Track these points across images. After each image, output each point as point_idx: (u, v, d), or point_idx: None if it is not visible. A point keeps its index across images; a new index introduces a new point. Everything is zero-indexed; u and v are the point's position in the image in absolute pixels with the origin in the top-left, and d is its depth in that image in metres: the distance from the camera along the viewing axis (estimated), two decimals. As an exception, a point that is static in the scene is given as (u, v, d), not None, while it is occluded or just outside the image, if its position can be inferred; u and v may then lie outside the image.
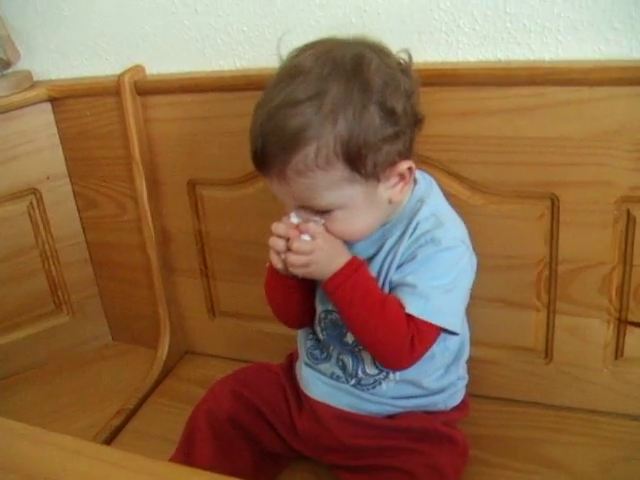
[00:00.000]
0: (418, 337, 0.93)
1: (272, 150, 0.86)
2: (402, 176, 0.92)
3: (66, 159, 1.45)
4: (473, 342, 1.11)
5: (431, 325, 0.94)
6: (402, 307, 0.93)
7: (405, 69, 0.92)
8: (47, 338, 1.52)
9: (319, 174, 0.86)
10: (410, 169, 0.92)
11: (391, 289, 0.97)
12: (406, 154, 0.91)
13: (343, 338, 1.03)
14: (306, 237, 0.91)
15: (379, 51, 0.91)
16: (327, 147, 0.85)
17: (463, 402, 1.12)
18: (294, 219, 0.92)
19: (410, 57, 0.94)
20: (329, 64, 0.86)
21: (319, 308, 1.05)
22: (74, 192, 1.47)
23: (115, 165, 1.40)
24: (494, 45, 1.10)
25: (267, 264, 1.05)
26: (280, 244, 0.93)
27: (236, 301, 1.43)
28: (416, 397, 1.06)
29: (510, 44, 1.09)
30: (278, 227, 0.93)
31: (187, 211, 1.37)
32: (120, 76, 1.30)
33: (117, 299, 1.56)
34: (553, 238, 1.13)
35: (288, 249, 0.92)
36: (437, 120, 1.10)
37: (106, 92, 1.33)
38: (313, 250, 0.91)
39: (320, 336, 1.07)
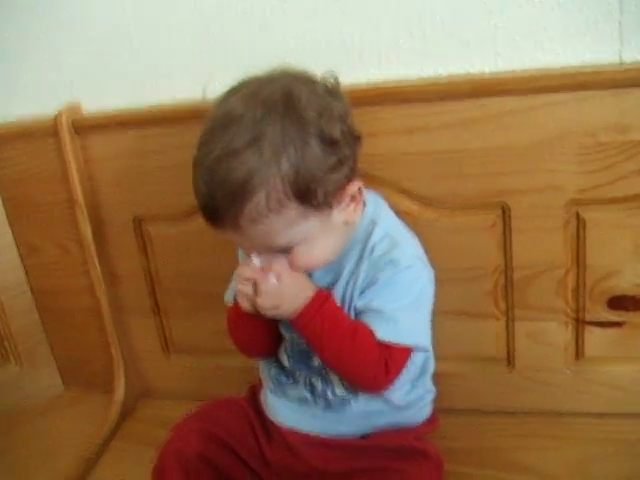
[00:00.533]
0: (391, 360, 0.94)
1: (221, 205, 0.85)
2: (353, 197, 0.92)
3: (5, 206, 1.40)
4: (436, 357, 1.10)
5: (403, 347, 0.95)
6: (372, 334, 0.93)
7: (333, 92, 0.92)
8: (-4, 390, 1.47)
9: (273, 218, 0.85)
10: (360, 189, 0.93)
11: (357, 314, 0.97)
12: (353, 175, 0.91)
13: (310, 362, 1.02)
14: (272, 279, 0.90)
15: (305, 81, 0.90)
16: (276, 190, 0.84)
17: (432, 416, 1.11)
18: (256, 261, 0.91)
19: (336, 78, 0.93)
20: (260, 106, 0.84)
21: (285, 337, 1.04)
22: (15, 239, 1.42)
23: (56, 209, 1.36)
24: (434, 60, 1.11)
25: (228, 304, 1.05)
26: (248, 289, 0.92)
27: (190, 337, 1.40)
28: (386, 414, 1.05)
29: (450, 59, 1.10)
30: (244, 271, 0.93)
31: (134, 250, 1.34)
32: (57, 116, 1.26)
33: (67, 345, 1.50)
34: (507, 246, 1.14)
35: (256, 292, 0.92)
36: (383, 138, 1.11)
37: (44, 133, 1.29)
38: (281, 291, 0.91)
39: (286, 363, 1.05)
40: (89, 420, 1.41)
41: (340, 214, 0.92)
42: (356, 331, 0.93)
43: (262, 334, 1.03)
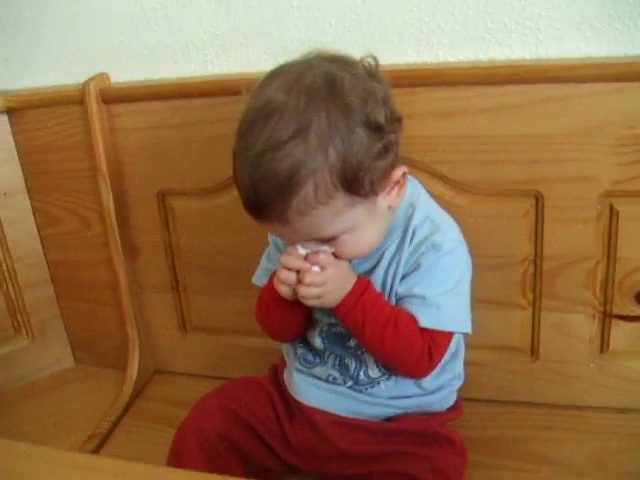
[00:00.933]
0: (434, 346, 0.95)
1: (267, 199, 0.82)
2: (397, 182, 0.90)
3: (24, 173, 1.38)
4: (463, 344, 1.11)
5: (445, 332, 0.95)
6: (414, 320, 0.93)
7: (374, 74, 0.89)
8: (6, 364, 1.44)
9: (321, 209, 0.83)
10: (404, 174, 0.91)
11: (398, 301, 0.96)
12: (396, 161, 0.89)
13: (346, 343, 1.01)
14: (316, 268, 0.89)
15: (345, 65, 0.87)
16: (324, 181, 0.82)
17: (457, 403, 1.10)
18: (302, 250, 0.89)
19: (376, 59, 0.90)
20: (303, 94, 0.81)
21: (322, 321, 1.02)
22: (33, 208, 1.40)
23: (78, 178, 1.34)
24: (475, 45, 1.10)
25: (257, 284, 1.04)
26: (291, 277, 0.90)
27: (209, 315, 1.38)
28: (413, 397, 1.04)
29: (491, 44, 1.10)
30: (287, 260, 0.90)
31: (156, 223, 1.32)
32: (85, 84, 1.24)
33: (80, 320, 1.48)
34: (538, 235, 1.13)
35: (299, 281, 0.90)
36: (419, 121, 1.10)
37: (69, 101, 1.28)
38: (325, 282, 0.89)
39: (318, 345, 1.03)
40: (100, 396, 1.39)
41: (384, 200, 0.90)
42: (397, 318, 0.93)
43: (295, 319, 1.01)
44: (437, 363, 0.97)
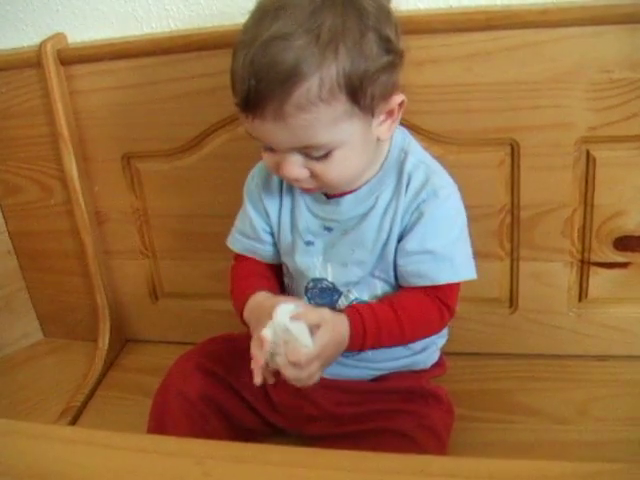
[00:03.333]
0: (447, 298, 0.95)
1: (268, 87, 0.78)
2: (391, 112, 0.88)
3: (-21, 143, 1.33)
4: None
5: (457, 283, 0.95)
6: (414, 293, 0.93)
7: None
8: (-29, 339, 1.39)
9: (322, 108, 0.80)
10: (401, 104, 0.88)
11: (408, 257, 0.93)
12: (397, 87, 0.87)
13: (335, 305, 0.98)
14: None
15: None
16: (330, 78, 0.79)
17: (440, 359, 1.10)
18: (268, 334, 0.83)
19: None
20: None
21: (304, 280, 1.00)
22: (-9, 179, 1.35)
23: (38, 144, 1.28)
24: (445, -9, 1.08)
25: (234, 250, 1.03)
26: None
27: (180, 281, 1.35)
28: (400, 358, 1.02)
29: (461, -11, 1.07)
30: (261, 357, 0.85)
31: (122, 188, 1.28)
32: (41, 45, 1.18)
33: (47, 291, 1.43)
34: (514, 184, 1.12)
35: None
36: (391, 71, 1.08)
37: (24, 64, 1.22)
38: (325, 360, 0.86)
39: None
40: (72, 369, 1.36)
41: (376, 128, 0.88)
42: (402, 310, 0.92)
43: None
44: (454, 311, 0.96)
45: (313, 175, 0.87)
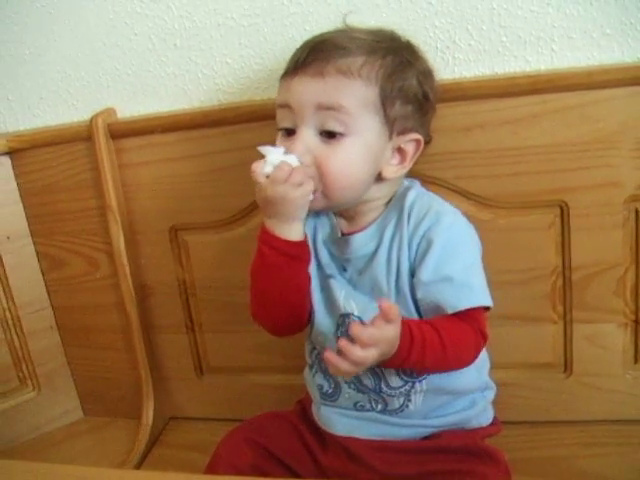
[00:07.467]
0: (478, 324, 0.92)
1: (320, 50, 0.91)
2: (403, 151, 0.95)
3: (27, 216, 1.33)
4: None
5: (481, 308, 0.93)
6: (453, 320, 0.90)
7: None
8: (11, 417, 1.36)
9: (358, 83, 0.90)
10: (418, 142, 0.95)
11: (425, 288, 0.92)
12: (420, 130, 0.96)
13: None
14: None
15: None
16: (373, 66, 0.91)
17: (495, 419, 1.07)
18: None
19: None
20: (383, 37, 0.96)
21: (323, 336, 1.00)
22: (37, 252, 1.35)
23: (85, 218, 1.30)
24: (490, 59, 1.10)
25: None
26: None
27: (225, 354, 1.33)
28: (447, 414, 1.00)
29: (506, 57, 1.09)
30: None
31: (169, 260, 1.28)
32: (92, 119, 1.21)
33: (89, 368, 1.42)
34: (565, 246, 1.12)
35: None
36: (439, 137, 1.08)
37: (75, 138, 1.25)
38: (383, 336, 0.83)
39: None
40: (113, 447, 1.33)
41: (386, 163, 0.95)
42: (443, 330, 0.88)
43: (294, 280, 0.97)
44: (487, 337, 0.94)
45: (316, 165, 0.90)
